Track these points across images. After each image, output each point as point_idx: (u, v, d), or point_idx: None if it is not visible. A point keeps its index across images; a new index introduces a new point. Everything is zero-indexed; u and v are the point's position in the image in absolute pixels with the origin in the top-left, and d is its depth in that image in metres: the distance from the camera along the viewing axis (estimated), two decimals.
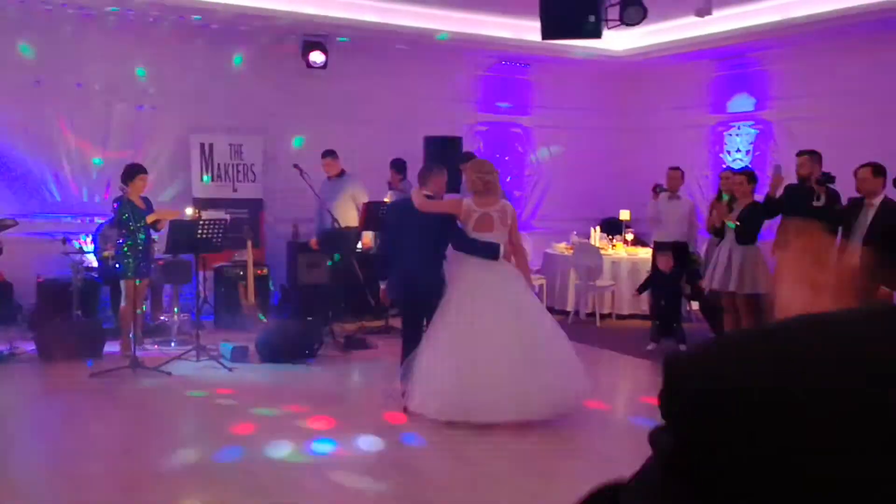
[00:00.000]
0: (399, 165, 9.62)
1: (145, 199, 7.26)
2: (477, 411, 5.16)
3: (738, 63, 10.66)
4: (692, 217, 8.69)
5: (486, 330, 5.25)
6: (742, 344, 0.57)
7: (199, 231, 7.04)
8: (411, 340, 5.65)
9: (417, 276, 5.66)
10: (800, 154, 6.98)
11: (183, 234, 7.02)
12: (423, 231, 5.60)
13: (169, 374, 6.66)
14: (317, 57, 9.60)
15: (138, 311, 7.26)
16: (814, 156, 6.82)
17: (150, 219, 7.08)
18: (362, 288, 9.07)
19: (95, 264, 8.21)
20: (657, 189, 8.91)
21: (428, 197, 5.71)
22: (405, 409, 5.57)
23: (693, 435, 0.55)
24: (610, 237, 10.12)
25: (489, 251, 5.42)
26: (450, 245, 5.71)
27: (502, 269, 5.48)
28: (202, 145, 9.26)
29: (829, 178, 6.63)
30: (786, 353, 0.53)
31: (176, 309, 8.10)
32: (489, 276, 5.41)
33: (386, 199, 9.18)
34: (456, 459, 4.99)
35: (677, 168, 8.94)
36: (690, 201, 8.82)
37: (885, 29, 8.57)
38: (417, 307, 5.75)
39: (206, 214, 7.88)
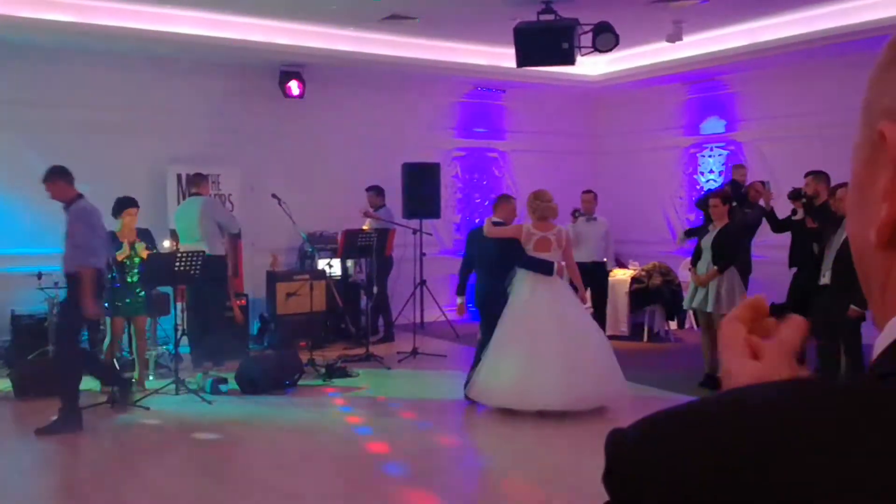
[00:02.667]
0: (377, 192, 9.66)
1: (145, 232, 7.19)
2: (530, 400, 6.06)
3: (709, 86, 10.84)
4: (608, 238, 9.00)
5: (540, 332, 6.16)
6: (688, 425, 0.56)
7: (177, 263, 6.98)
8: (484, 343, 6.56)
9: (486, 290, 6.66)
10: (807, 175, 7.18)
11: (160, 267, 6.96)
12: (490, 252, 6.58)
13: (147, 409, 6.57)
14: (293, 87, 9.63)
15: (142, 343, 7.28)
16: (819, 176, 7.00)
17: (120, 257, 7.00)
18: (342, 315, 9.05)
19: None
20: (575, 213, 9.09)
21: (497, 223, 6.65)
22: (466, 397, 6.54)
23: None
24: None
25: (544, 267, 6.33)
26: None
27: (555, 283, 6.44)
28: (179, 176, 9.23)
29: (797, 193, 6.86)
30: (733, 432, 0.52)
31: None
32: (544, 288, 6.35)
33: (364, 227, 9.19)
34: (441, 488, 4.97)
35: (590, 191, 9.21)
36: (606, 223, 9.03)
37: (849, 52, 8.77)
38: (488, 316, 6.63)
39: (183, 246, 7.82)
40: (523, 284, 6.41)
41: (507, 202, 6.93)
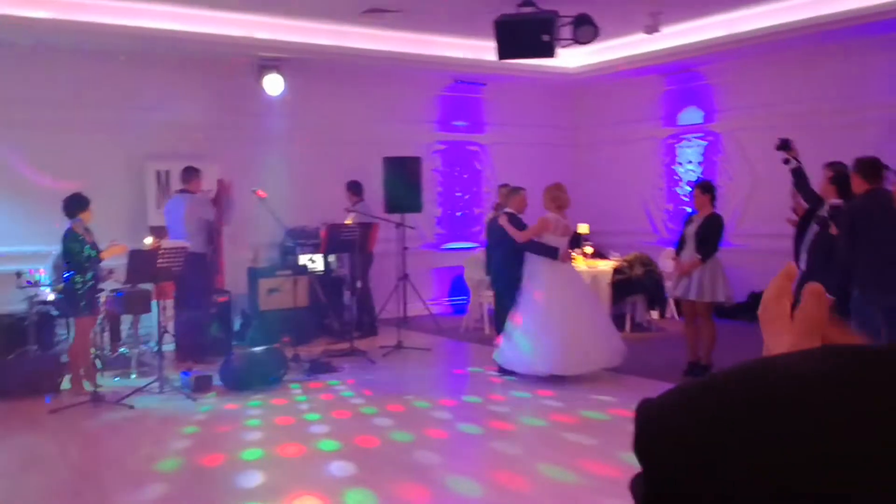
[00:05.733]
0: (355, 188, 9.66)
1: (88, 231, 7.08)
2: (577, 365, 7.00)
3: (687, 77, 10.93)
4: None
5: (567, 306, 7.03)
6: (718, 389, 0.55)
7: (160, 260, 6.91)
8: (500, 321, 7.50)
9: (503, 275, 7.51)
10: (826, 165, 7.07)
11: (142, 264, 6.88)
12: (503, 243, 7.40)
13: (131, 407, 6.51)
14: (273, 81, 9.56)
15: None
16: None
17: (104, 255, 6.90)
18: (326, 310, 9.01)
19: (51, 297, 8.00)
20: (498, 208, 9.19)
21: (510, 214, 7.43)
22: (501, 371, 7.39)
23: (666, 484, 0.53)
24: (570, 250, 10.21)
25: (550, 253, 7.13)
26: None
27: (562, 265, 7.26)
28: (158, 173, 9.13)
29: (784, 144, 6.83)
30: (761, 400, 0.52)
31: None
32: (556, 270, 7.16)
33: (347, 222, 9.16)
34: (431, 481, 4.97)
35: (506, 185, 9.05)
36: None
37: (826, 42, 8.88)
38: (504, 296, 7.50)
39: (165, 243, 7.74)
40: (538, 269, 7.17)
41: (518, 193, 7.60)
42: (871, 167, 5.65)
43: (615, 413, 6.24)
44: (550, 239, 7.18)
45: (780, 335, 0.73)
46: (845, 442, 0.49)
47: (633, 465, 0.58)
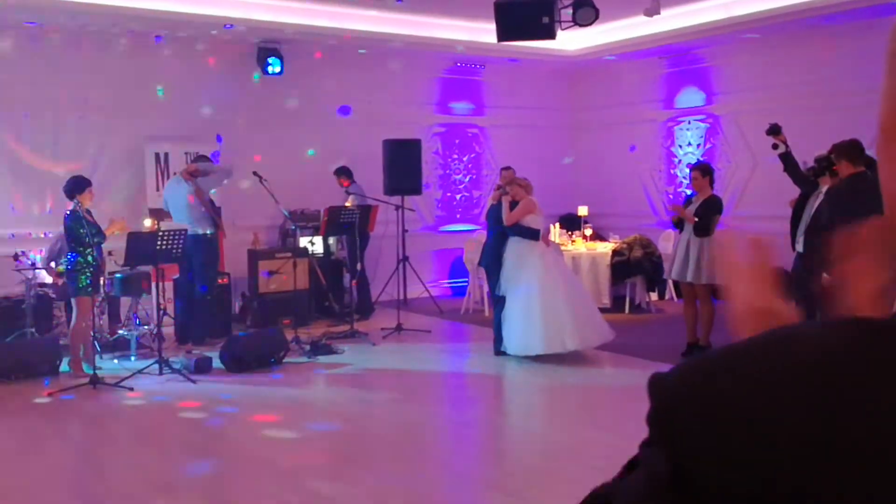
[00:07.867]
0: (346, 172, 9.68)
1: (89, 212, 7.07)
2: (563, 343, 7.02)
3: (687, 60, 10.88)
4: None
5: (549, 287, 7.10)
6: (727, 361, 0.56)
7: (159, 242, 6.91)
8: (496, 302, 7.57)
9: (487, 256, 7.67)
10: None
11: (142, 246, 6.88)
12: (494, 226, 7.58)
13: (131, 389, 6.52)
14: (273, 63, 9.52)
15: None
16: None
17: (108, 231, 6.92)
18: (325, 293, 9.02)
19: (49, 280, 8.01)
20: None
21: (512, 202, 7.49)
22: (498, 353, 7.37)
23: (687, 457, 0.54)
24: (569, 233, 10.23)
25: (533, 235, 7.25)
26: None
27: (545, 248, 7.38)
28: (157, 155, 9.10)
29: (774, 129, 6.84)
30: (781, 373, 0.52)
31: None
32: (538, 252, 7.26)
33: (347, 204, 9.15)
34: (430, 461, 4.99)
35: (509, 168, 9.02)
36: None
37: (824, 24, 8.84)
38: (490, 276, 7.68)
39: (164, 225, 7.73)
40: (521, 250, 7.26)
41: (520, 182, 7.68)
42: (856, 150, 5.66)
43: (615, 391, 6.27)
44: (533, 220, 7.22)
45: (731, 278, 0.74)
46: (882, 402, 0.49)
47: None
